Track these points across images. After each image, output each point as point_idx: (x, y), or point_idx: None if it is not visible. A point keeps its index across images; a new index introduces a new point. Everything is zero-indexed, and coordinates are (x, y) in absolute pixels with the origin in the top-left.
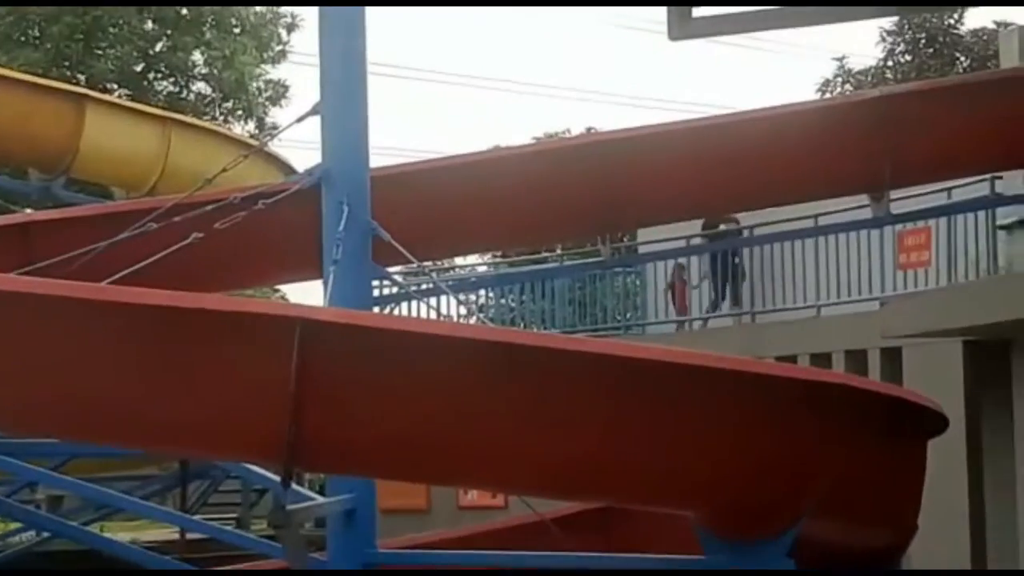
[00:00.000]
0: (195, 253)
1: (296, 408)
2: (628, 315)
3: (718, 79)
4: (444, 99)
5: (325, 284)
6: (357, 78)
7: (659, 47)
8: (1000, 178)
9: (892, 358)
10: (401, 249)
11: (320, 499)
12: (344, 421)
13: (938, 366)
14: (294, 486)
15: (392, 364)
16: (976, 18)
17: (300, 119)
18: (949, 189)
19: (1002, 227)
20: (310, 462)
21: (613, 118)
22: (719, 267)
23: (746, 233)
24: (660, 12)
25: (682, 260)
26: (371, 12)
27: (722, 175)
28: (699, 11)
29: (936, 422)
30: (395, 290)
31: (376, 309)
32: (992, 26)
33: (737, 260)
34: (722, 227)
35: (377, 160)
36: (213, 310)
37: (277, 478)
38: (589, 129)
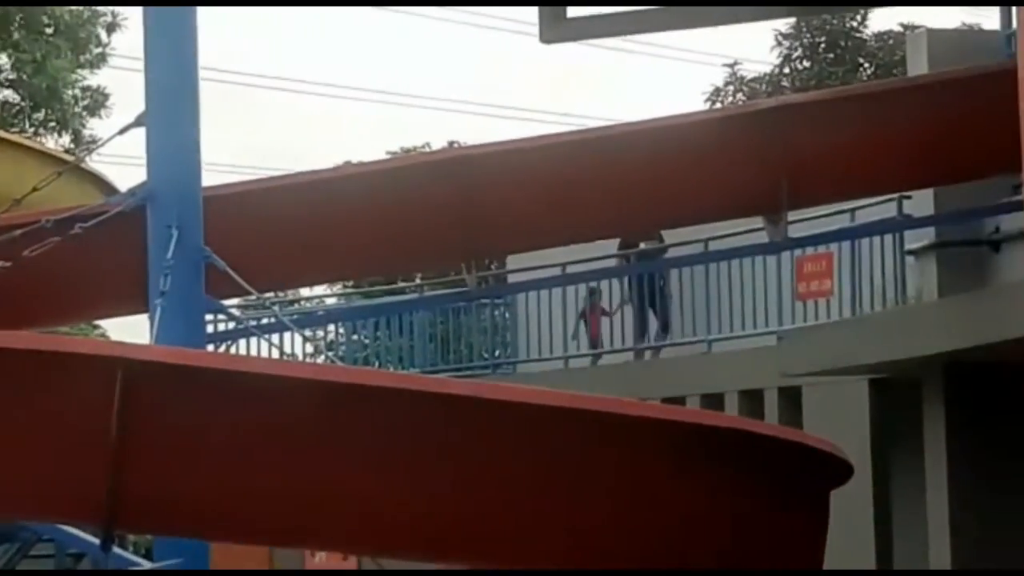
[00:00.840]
0: (1, 284)
1: (118, 460)
2: (497, 353)
3: (597, 87)
4: (289, 109)
5: (151, 319)
6: (188, 86)
7: (531, 52)
8: (909, 198)
9: (791, 398)
10: (238, 279)
11: (146, 564)
12: (173, 475)
13: (842, 407)
14: (116, 549)
15: (228, 410)
16: (881, 20)
17: (122, 131)
18: (853, 210)
19: (911, 252)
20: (134, 522)
21: (479, 130)
22: (644, 291)
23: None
24: (532, 12)
25: (593, 285)
26: (203, 12)
27: (600, 195)
28: (574, 11)
29: (840, 470)
30: (232, 325)
31: (210, 347)
32: (898, 29)
33: (662, 282)
34: (643, 245)
35: (210, 178)
36: (22, 349)
37: (96, 540)
38: (452, 143)
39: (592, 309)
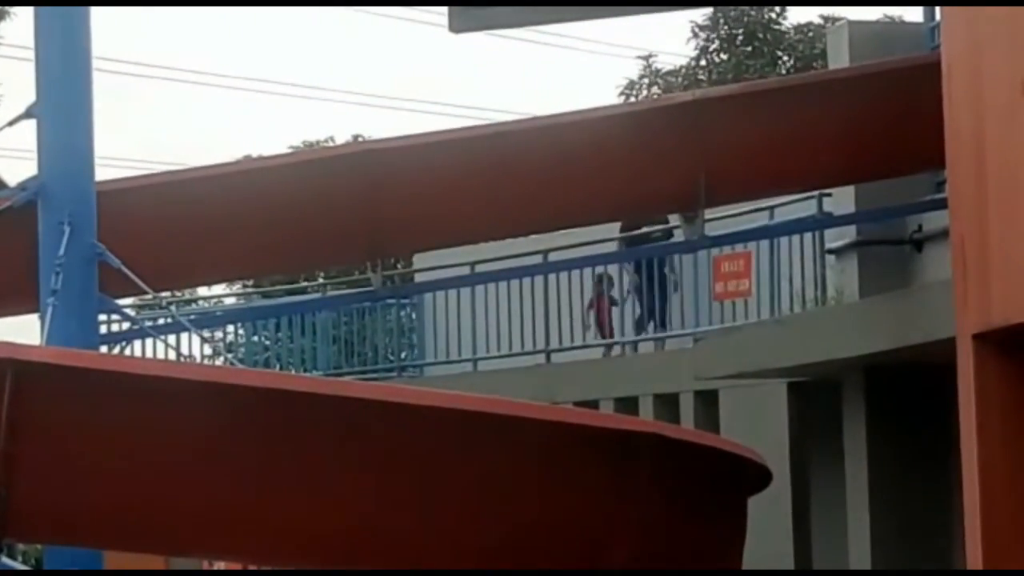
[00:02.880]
0: None
1: (6, 466)
2: (403, 355)
3: (507, 81)
4: (189, 101)
5: (42, 319)
6: (81, 76)
7: (440, 43)
8: (829, 195)
9: (707, 402)
10: (133, 277)
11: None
12: (64, 481)
13: (760, 411)
14: (4, 559)
15: (122, 414)
16: (800, 13)
17: (11, 123)
18: (772, 208)
19: (831, 251)
20: (23, 530)
21: (385, 124)
22: (651, 279)
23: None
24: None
25: (600, 271)
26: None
27: (511, 191)
28: None
29: (758, 476)
30: (126, 325)
31: (103, 348)
32: (819, 21)
33: (667, 270)
34: (645, 229)
35: (105, 173)
36: None
37: None
38: (356, 137)
39: (600, 297)
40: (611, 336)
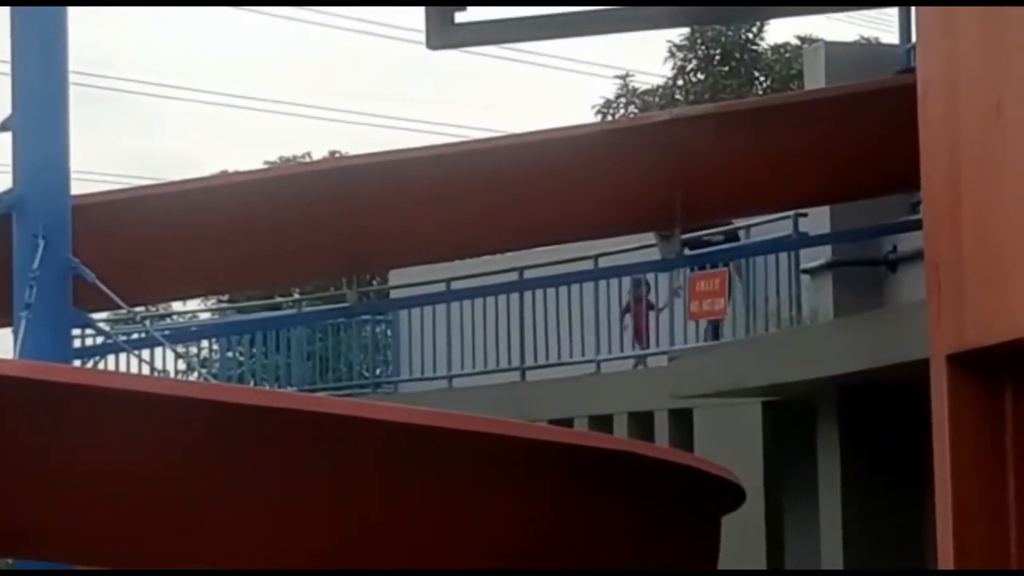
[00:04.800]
0: None
1: None
2: (378, 371)
3: (485, 99)
4: (166, 116)
5: (15, 332)
6: (58, 89)
7: (417, 61)
8: (805, 215)
9: (682, 421)
10: (108, 291)
11: None
12: (35, 497)
13: (734, 430)
14: None
15: (95, 429)
16: (777, 33)
17: None
18: (748, 227)
19: (806, 271)
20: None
21: (362, 140)
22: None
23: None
24: (419, 19)
25: (639, 276)
26: (76, 12)
27: (486, 208)
28: (462, 17)
29: (732, 495)
30: (100, 340)
31: (77, 362)
32: (795, 42)
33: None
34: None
35: (81, 186)
36: None
37: None
38: (333, 153)
39: (637, 302)
40: (647, 342)
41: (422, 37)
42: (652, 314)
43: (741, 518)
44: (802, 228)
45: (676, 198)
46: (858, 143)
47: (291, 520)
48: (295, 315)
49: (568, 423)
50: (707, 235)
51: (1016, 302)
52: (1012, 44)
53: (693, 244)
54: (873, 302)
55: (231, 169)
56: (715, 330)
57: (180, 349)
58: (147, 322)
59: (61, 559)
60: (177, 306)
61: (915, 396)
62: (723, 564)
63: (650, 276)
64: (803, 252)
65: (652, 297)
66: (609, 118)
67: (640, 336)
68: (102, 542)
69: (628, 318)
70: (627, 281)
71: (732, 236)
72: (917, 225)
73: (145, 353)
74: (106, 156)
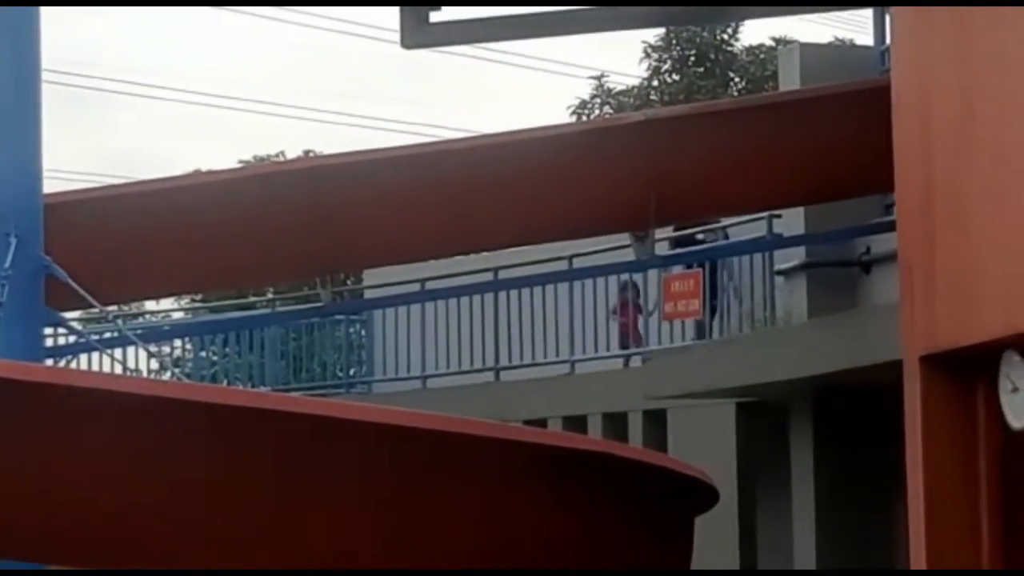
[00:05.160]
0: None
1: None
2: (352, 371)
3: (460, 99)
4: (139, 114)
5: None
6: (29, 87)
7: (392, 60)
8: (779, 217)
9: (656, 421)
10: (80, 290)
11: None
12: (10, 497)
13: (708, 431)
14: None
15: (68, 428)
16: (752, 34)
17: None
18: (724, 228)
19: (780, 272)
20: None
21: (336, 140)
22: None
23: (498, 274)
24: (394, 18)
25: (626, 278)
26: (48, 10)
27: (461, 209)
28: (437, 16)
29: (705, 496)
30: (73, 339)
31: (49, 362)
32: (770, 43)
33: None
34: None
35: (53, 185)
36: None
37: None
38: (307, 152)
39: (624, 304)
40: (637, 343)
41: (397, 37)
42: (640, 317)
43: (715, 518)
44: (776, 229)
45: (651, 199)
46: (832, 145)
47: (266, 519)
48: (269, 314)
49: (542, 424)
50: (698, 232)
51: (988, 304)
52: (984, 49)
53: (683, 242)
54: (847, 303)
55: (205, 168)
56: (700, 330)
57: (153, 348)
58: (120, 321)
59: (33, 558)
60: (150, 305)
61: (888, 397)
62: (696, 565)
63: (639, 278)
64: (777, 253)
65: (641, 300)
66: (584, 119)
67: (634, 337)
68: (74, 541)
69: (615, 319)
70: (606, 282)
71: (723, 234)
72: (891, 227)
73: (118, 352)
74: (81, 155)
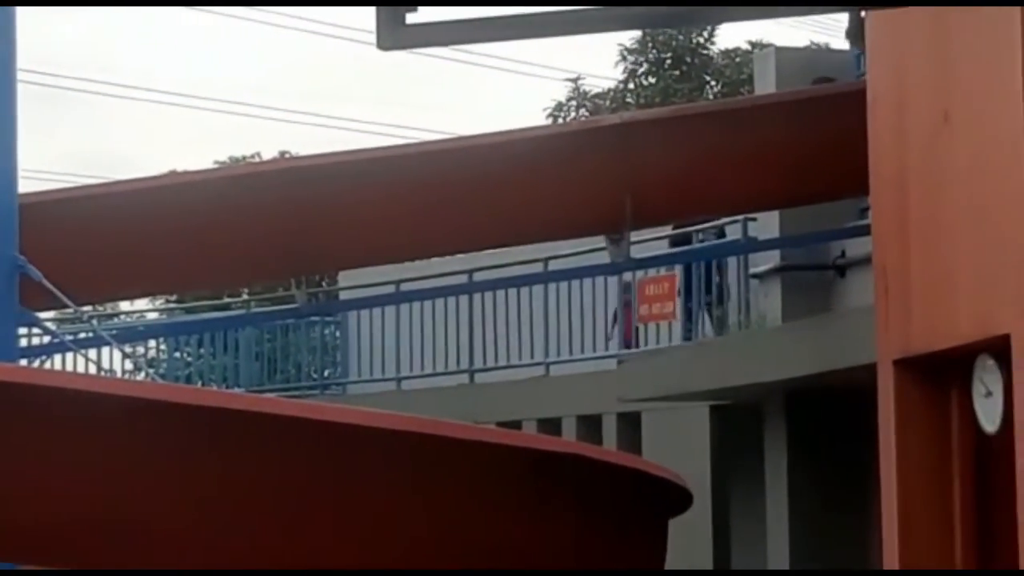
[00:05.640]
0: None
1: None
2: (327, 372)
3: (434, 101)
4: (115, 114)
5: None
6: (4, 87)
7: (367, 61)
8: (754, 220)
9: (630, 424)
10: (55, 290)
11: None
12: None
13: (682, 433)
14: None
15: (42, 428)
16: (728, 38)
17: None
18: (698, 231)
19: (755, 276)
20: None
21: (312, 141)
22: (700, 283)
23: (472, 277)
24: (370, 19)
25: (628, 279)
26: (23, 11)
27: (437, 210)
28: (414, 17)
29: (679, 498)
30: (47, 339)
31: (23, 362)
32: (746, 47)
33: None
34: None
35: (28, 185)
36: None
37: None
38: (283, 153)
39: (626, 307)
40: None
41: (373, 38)
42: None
43: (689, 520)
44: (751, 232)
45: (626, 201)
46: (807, 148)
47: (239, 520)
48: (244, 315)
49: (516, 425)
50: (696, 230)
51: (962, 308)
52: (959, 54)
53: (681, 241)
54: (821, 307)
55: (181, 169)
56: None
57: (127, 349)
58: (94, 321)
59: (5, 558)
60: (125, 306)
61: (862, 400)
62: (670, 566)
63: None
64: (752, 256)
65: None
66: (560, 121)
67: (628, 339)
68: (48, 541)
69: (615, 328)
70: (580, 284)
71: (720, 233)
72: (866, 230)
73: (92, 353)
74: (55, 155)
